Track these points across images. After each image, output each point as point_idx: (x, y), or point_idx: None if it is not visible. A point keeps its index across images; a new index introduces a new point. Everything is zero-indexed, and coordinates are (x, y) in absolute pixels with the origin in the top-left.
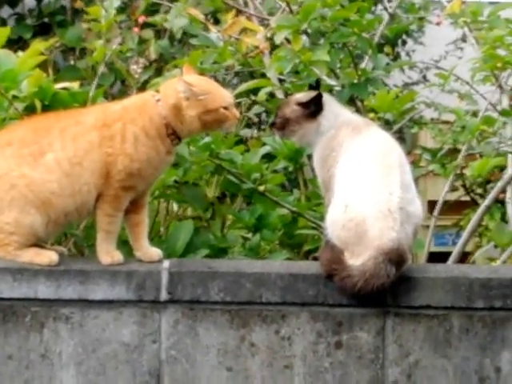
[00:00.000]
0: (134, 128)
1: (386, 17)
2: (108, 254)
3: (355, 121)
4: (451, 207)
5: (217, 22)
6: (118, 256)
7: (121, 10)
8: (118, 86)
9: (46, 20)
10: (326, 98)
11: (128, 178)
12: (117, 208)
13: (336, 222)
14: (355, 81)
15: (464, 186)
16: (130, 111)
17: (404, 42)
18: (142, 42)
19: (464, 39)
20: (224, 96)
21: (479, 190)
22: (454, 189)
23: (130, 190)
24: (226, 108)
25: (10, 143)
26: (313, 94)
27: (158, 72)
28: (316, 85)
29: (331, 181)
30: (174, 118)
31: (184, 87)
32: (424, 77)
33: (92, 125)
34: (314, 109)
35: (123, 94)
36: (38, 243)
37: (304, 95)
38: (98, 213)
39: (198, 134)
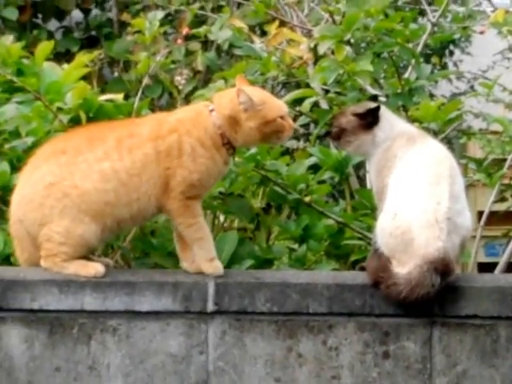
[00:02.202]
0: (189, 140)
1: (429, 26)
2: (207, 261)
3: (410, 132)
4: (502, 218)
5: (264, 33)
6: (218, 266)
7: (168, 22)
8: (166, 98)
9: (93, 33)
10: (383, 110)
11: (189, 188)
12: (193, 215)
13: (384, 229)
14: (399, 91)
15: None
16: (184, 122)
17: (451, 53)
18: (189, 53)
19: (511, 49)
20: (280, 106)
21: None
22: (503, 199)
23: (196, 198)
24: (282, 118)
25: (65, 151)
26: (370, 105)
27: (206, 84)
28: (374, 97)
29: (384, 191)
30: (228, 128)
31: (245, 98)
32: (472, 87)
33: (147, 136)
34: (370, 120)
35: (171, 106)
36: (86, 255)
37: (361, 106)
38: (180, 229)
39: (254, 145)
